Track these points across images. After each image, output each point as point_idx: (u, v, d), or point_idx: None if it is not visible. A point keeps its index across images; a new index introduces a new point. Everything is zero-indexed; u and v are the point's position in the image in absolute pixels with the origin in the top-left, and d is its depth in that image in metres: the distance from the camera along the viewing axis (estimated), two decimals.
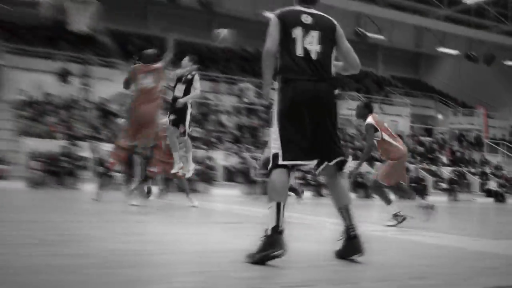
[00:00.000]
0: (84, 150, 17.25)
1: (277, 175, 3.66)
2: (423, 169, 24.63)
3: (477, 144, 31.48)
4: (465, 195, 23.56)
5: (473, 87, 36.55)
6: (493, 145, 31.75)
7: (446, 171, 25.29)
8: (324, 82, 3.75)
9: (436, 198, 21.86)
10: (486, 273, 3.72)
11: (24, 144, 18.13)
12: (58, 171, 16.65)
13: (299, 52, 3.74)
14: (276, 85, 3.83)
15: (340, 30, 3.92)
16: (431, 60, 39.26)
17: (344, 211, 3.81)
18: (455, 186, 23.52)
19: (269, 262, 3.40)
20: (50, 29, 25.19)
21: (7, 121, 19.81)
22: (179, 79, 8.73)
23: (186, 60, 8.89)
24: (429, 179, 23.89)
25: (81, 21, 12.16)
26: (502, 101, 36.65)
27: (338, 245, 3.83)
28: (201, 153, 19.81)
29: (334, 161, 3.77)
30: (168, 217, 8.09)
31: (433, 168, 25.48)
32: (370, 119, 7.54)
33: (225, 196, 16.42)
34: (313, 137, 3.71)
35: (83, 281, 2.79)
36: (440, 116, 35.69)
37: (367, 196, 20.80)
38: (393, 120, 30.96)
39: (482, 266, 4.02)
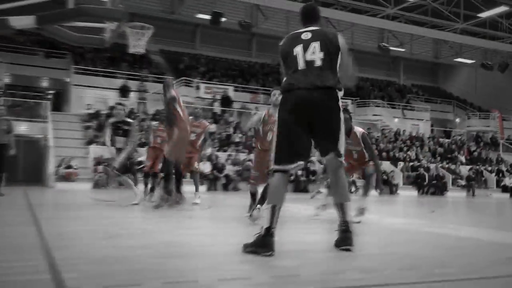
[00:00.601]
0: (142, 155, 17.57)
1: (274, 179, 3.67)
2: (443, 167, 24.11)
3: (493, 144, 30.65)
4: (482, 191, 22.98)
5: (488, 92, 35.60)
6: (508, 145, 30.85)
7: (464, 169, 24.70)
8: (325, 89, 3.66)
9: (455, 194, 21.40)
10: (502, 262, 3.64)
11: (90, 151, 18.60)
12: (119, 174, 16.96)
13: (301, 66, 3.71)
14: None
15: (342, 41, 3.80)
16: (449, 69, 38.45)
17: (339, 208, 3.77)
18: (473, 182, 22.94)
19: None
20: (112, 52, 25.88)
21: (76, 132, 20.37)
22: None
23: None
24: (449, 177, 23.37)
25: (139, 44, 12.38)
26: None
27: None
28: (242, 156, 19.91)
29: (327, 156, 3.72)
30: (213, 213, 8.16)
31: (452, 166, 24.92)
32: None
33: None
34: (307, 141, 3.70)
35: (139, 269, 2.86)
36: (458, 120, 34.89)
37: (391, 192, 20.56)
38: (414, 124, 30.45)
39: (498, 256, 3.92)
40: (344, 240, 3.71)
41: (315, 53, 3.70)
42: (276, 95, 5.87)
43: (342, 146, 3.76)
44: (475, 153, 27.85)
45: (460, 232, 5.74)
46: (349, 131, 6.22)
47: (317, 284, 2.63)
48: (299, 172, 18.74)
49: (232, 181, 18.30)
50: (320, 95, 3.65)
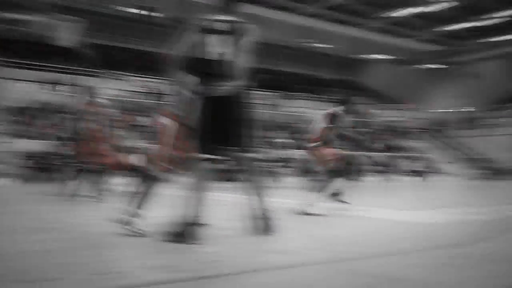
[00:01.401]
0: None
1: (200, 170, 3.63)
2: (362, 155, 25.04)
3: (405, 133, 32.20)
4: (395, 176, 24.09)
5: (400, 86, 37.37)
6: (417, 133, 32.56)
7: (380, 156, 25.77)
8: (235, 80, 3.62)
9: (373, 178, 22.33)
10: (409, 238, 3.83)
11: (17, 145, 17.59)
12: (47, 168, 16.18)
13: (213, 55, 3.63)
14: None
15: (252, 31, 3.73)
16: (366, 64, 39.88)
17: (258, 194, 3.78)
18: (387, 168, 24.02)
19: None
20: (42, 44, 24.49)
21: (1, 125, 19.17)
22: None
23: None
24: (366, 163, 24.31)
25: (69, 37, 11.83)
26: (424, 97, 37.60)
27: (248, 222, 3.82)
28: None
29: (245, 155, 3.73)
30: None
31: (371, 154, 25.95)
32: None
33: None
34: (219, 133, 3.64)
35: (63, 262, 2.75)
36: (375, 111, 36.33)
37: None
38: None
39: (405, 233, 4.14)
40: (263, 226, 3.75)
41: (226, 44, 3.65)
42: None
43: (255, 141, 3.78)
44: (390, 142, 29.16)
45: (372, 213, 5.99)
46: None
47: (238, 268, 2.64)
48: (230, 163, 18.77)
49: None
50: (230, 86, 3.62)
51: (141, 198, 3.95)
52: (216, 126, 3.64)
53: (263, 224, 3.76)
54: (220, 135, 3.66)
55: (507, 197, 8.28)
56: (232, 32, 3.68)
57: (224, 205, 6.75)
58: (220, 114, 3.63)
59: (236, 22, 3.76)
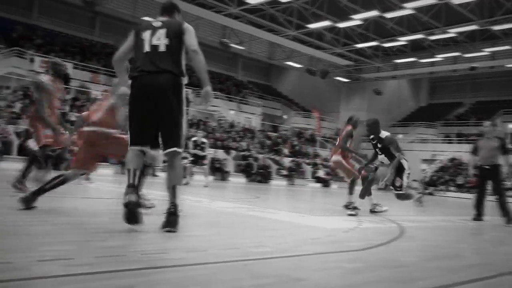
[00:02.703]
0: None
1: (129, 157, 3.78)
2: (269, 158, 25.53)
3: (312, 140, 33.29)
4: (300, 181, 24.82)
5: (311, 95, 38.81)
6: (324, 141, 33.85)
7: (287, 161, 26.43)
8: (166, 73, 3.71)
9: (278, 182, 22.87)
10: (308, 242, 3.96)
11: None
12: None
13: (146, 49, 3.78)
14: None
15: (187, 28, 3.86)
16: (280, 70, 40.85)
17: (171, 190, 3.81)
18: (293, 173, 24.70)
19: None
20: None
21: None
22: None
23: None
24: (273, 167, 24.84)
25: None
26: (332, 108, 39.33)
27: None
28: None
29: (168, 151, 3.77)
30: None
31: (277, 158, 26.51)
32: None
33: None
34: (149, 125, 3.75)
35: None
36: (285, 116, 37.27)
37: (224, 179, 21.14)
38: (248, 118, 31.77)
39: (306, 237, 4.26)
40: (169, 222, 3.71)
41: (160, 39, 3.78)
42: None
43: (182, 138, 3.81)
44: (297, 147, 30.03)
45: (278, 216, 6.13)
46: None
47: (140, 264, 2.56)
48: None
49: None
50: (161, 79, 3.68)
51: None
52: (139, 118, 3.74)
53: (169, 220, 3.71)
54: (141, 128, 3.76)
55: (401, 207, 8.88)
56: (165, 27, 3.82)
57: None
58: (144, 105, 3.71)
59: (170, 19, 3.96)
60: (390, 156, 7.07)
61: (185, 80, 3.81)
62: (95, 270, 2.32)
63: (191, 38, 3.82)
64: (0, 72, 21.67)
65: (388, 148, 7.07)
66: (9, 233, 3.24)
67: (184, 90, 3.84)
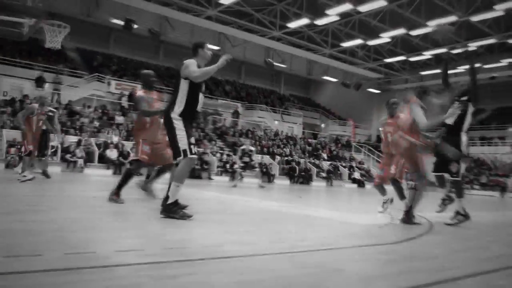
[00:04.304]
0: (53, 140, 16.33)
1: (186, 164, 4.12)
2: (310, 162, 25.34)
3: (347, 145, 32.79)
4: (338, 182, 24.47)
5: (346, 105, 38.20)
6: (358, 147, 33.26)
7: (326, 164, 26.14)
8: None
9: (318, 184, 22.64)
10: (348, 236, 3.90)
11: (4, 134, 16.83)
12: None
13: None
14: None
15: (184, 64, 4.16)
16: (318, 84, 40.52)
17: (169, 186, 4.16)
18: (331, 175, 24.36)
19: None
20: (30, 45, 23.65)
21: None
22: None
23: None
24: (314, 170, 24.62)
25: (55, 40, 11.42)
26: (365, 116, 38.58)
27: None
28: None
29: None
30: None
31: (317, 162, 26.27)
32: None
33: None
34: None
35: (43, 241, 2.64)
36: (323, 125, 36.91)
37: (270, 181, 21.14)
38: (290, 127, 31.71)
39: (344, 232, 4.20)
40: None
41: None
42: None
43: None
44: (334, 152, 29.64)
45: (318, 213, 6.07)
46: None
47: (201, 255, 2.61)
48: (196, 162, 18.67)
49: None
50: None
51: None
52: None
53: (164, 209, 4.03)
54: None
55: (428, 204, 8.57)
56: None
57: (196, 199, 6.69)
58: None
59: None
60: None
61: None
62: (163, 260, 2.39)
63: (185, 70, 4.14)
64: (84, 94, 22.78)
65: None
66: (93, 228, 3.38)
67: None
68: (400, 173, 5.95)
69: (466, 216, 5.30)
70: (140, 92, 5.58)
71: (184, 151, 4.04)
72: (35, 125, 8.97)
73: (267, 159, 23.42)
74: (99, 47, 28.95)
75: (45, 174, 10.39)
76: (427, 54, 29.77)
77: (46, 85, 21.54)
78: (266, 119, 30.31)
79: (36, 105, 9.18)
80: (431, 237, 4.19)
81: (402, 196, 5.86)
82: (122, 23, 22.73)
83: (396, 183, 5.96)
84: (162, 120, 4.55)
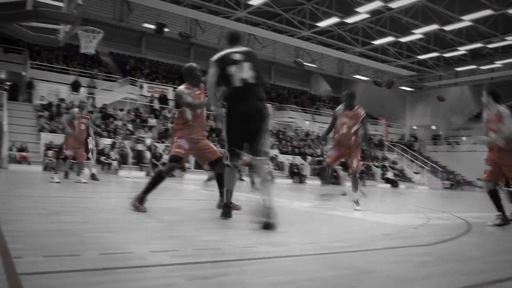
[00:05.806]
0: (89, 142, 16.85)
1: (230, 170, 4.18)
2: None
3: (380, 145, 32.27)
4: (371, 182, 24.13)
5: (378, 104, 37.50)
6: (391, 146, 32.64)
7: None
8: (258, 102, 3.99)
9: (350, 184, 22.32)
10: (380, 238, 3.82)
11: (42, 137, 17.50)
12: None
13: (237, 83, 3.95)
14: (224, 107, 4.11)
15: (257, 56, 4.16)
16: (349, 83, 40.03)
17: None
18: (364, 175, 24.03)
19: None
20: (66, 51, 24.50)
21: (30, 120, 19.07)
22: None
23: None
24: None
25: (90, 45, 11.78)
26: (397, 115, 37.79)
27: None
28: None
29: (259, 158, 3.98)
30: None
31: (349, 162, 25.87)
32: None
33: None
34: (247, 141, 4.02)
35: (78, 242, 2.72)
36: None
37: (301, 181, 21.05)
38: (321, 127, 31.44)
39: (377, 233, 4.13)
40: (265, 220, 3.73)
41: (248, 72, 3.98)
42: None
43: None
44: (366, 152, 29.20)
45: (351, 214, 5.99)
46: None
47: (233, 256, 2.62)
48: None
49: None
50: (255, 106, 4.00)
51: None
52: (238, 132, 4.01)
53: (265, 218, 3.70)
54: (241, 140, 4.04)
55: (466, 205, 8.31)
56: (247, 59, 4.04)
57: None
58: (243, 123, 3.95)
59: (246, 50, 4.14)
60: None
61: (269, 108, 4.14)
62: (197, 261, 2.41)
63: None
64: (117, 97, 23.39)
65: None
66: (128, 229, 3.46)
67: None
68: (498, 178, 5.65)
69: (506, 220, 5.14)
70: (181, 87, 5.23)
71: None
72: (77, 129, 9.28)
73: (298, 159, 23.33)
74: (131, 51, 29.69)
75: (94, 177, 10.73)
76: (462, 50, 28.86)
77: (81, 89, 22.26)
78: (297, 120, 30.19)
79: (76, 110, 9.49)
80: (469, 238, 4.05)
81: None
82: (153, 27, 23.21)
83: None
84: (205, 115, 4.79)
